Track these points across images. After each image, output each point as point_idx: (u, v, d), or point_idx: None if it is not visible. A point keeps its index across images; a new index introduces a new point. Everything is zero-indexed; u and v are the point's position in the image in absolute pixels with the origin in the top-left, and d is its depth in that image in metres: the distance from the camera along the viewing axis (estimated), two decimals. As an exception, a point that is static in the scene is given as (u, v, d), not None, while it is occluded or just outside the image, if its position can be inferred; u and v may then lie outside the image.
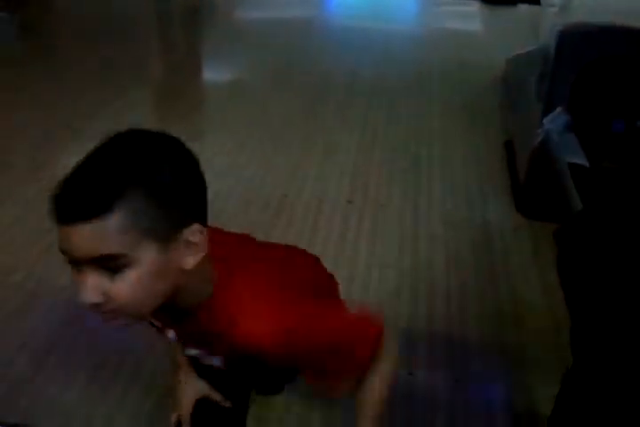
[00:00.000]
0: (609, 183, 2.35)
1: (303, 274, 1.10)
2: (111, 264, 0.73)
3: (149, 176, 0.72)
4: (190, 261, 0.79)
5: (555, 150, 2.25)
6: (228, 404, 1.25)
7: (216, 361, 1.10)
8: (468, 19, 5.41)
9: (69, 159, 0.78)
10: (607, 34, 2.44)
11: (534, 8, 5.66)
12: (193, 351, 1.09)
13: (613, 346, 1.11)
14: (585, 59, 2.39)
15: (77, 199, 0.71)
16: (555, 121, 2.36)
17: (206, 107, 3.75)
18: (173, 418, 1.25)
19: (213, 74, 4.27)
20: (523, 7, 5.59)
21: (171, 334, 1.04)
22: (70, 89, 3.62)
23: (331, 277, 1.25)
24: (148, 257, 0.74)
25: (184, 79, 4.00)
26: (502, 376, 1.90)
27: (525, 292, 2.21)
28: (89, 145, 0.75)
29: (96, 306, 0.76)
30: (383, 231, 2.50)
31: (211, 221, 0.83)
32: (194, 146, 0.80)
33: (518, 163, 2.78)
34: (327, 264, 1.25)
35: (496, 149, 3.17)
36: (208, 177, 0.79)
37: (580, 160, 2.27)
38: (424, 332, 2.02)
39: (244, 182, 2.79)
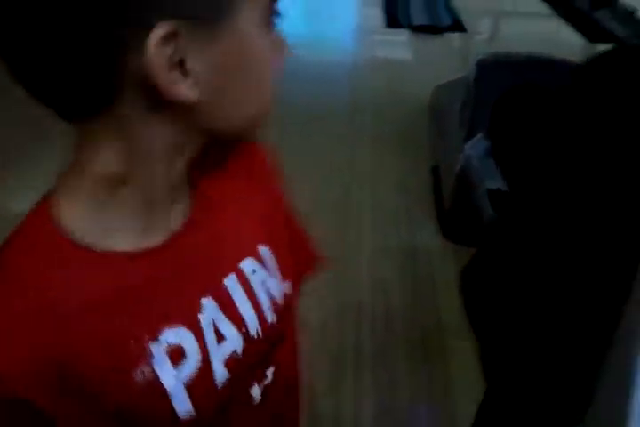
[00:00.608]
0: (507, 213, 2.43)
1: None
2: None
3: None
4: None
5: (475, 176, 2.30)
6: None
7: None
8: (399, 48, 5.53)
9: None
10: (525, 63, 2.52)
11: (463, 36, 5.82)
12: None
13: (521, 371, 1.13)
14: (503, 87, 2.46)
15: None
16: (475, 147, 2.41)
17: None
18: None
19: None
20: (451, 36, 5.74)
21: None
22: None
23: None
24: None
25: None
26: (428, 405, 1.90)
27: (450, 315, 2.23)
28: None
29: None
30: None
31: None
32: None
33: (444, 188, 2.84)
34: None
35: (424, 175, 3.23)
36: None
37: (500, 186, 2.33)
38: (351, 358, 2.01)
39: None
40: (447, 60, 5.16)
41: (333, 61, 4.87)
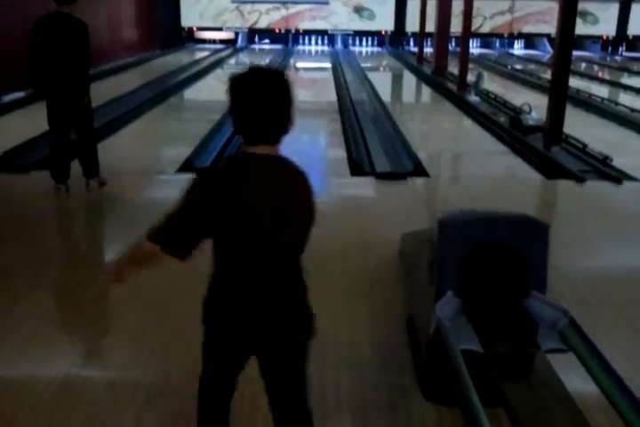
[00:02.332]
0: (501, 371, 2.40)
1: None
2: None
3: None
4: None
5: (448, 338, 2.28)
6: None
7: None
8: (364, 194, 5.69)
9: None
10: (485, 220, 2.59)
11: (426, 180, 6.03)
12: None
13: None
14: (467, 245, 2.51)
15: None
16: (445, 308, 2.41)
17: (105, 306, 3.67)
18: None
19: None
20: (414, 180, 5.94)
21: None
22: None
23: None
24: None
25: (81, 279, 3.92)
26: None
27: None
28: None
29: None
30: None
31: None
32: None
33: (420, 346, 2.80)
34: None
35: (399, 331, 3.19)
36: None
37: (474, 346, 2.31)
38: None
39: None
40: (412, 204, 5.32)
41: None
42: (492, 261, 2.54)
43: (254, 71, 1.77)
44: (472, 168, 6.70)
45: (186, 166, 6.09)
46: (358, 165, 6.36)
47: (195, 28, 22.02)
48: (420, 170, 6.25)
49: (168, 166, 6.21)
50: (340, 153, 6.96)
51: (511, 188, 5.90)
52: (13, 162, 6.19)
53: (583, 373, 2.23)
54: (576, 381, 2.54)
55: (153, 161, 6.75)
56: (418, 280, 3.15)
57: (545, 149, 7.04)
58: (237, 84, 1.76)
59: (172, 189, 5.67)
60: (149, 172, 6.20)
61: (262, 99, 1.73)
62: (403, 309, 3.39)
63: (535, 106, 8.48)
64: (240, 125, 1.77)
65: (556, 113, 7.17)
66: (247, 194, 1.74)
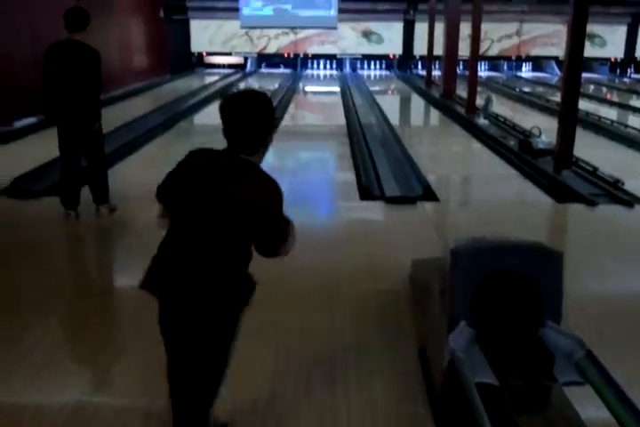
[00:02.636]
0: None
1: None
2: None
3: None
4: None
5: (462, 371, 2.24)
6: None
7: None
8: (374, 218, 5.66)
9: None
10: (498, 249, 2.55)
11: (435, 204, 6.00)
12: None
13: None
14: (479, 274, 2.47)
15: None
16: (458, 338, 2.38)
17: (116, 333, 3.64)
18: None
19: (125, 293, 4.23)
20: (424, 205, 5.91)
21: None
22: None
23: None
24: None
25: (92, 305, 3.91)
26: None
27: None
28: None
29: None
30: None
31: None
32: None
33: (434, 377, 2.75)
34: None
35: (412, 360, 3.15)
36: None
37: (489, 379, 2.26)
38: None
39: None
40: (422, 229, 5.29)
41: (309, 235, 4.95)
42: (505, 291, 2.50)
43: (236, 94, 2.13)
44: (482, 192, 6.67)
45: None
46: (367, 189, 6.35)
47: (204, 53, 22.23)
48: (429, 194, 6.22)
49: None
50: (350, 177, 6.96)
51: (522, 212, 5.87)
52: (24, 188, 6.21)
53: (600, 404, 2.18)
54: (593, 413, 2.48)
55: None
56: (429, 308, 3.11)
57: (555, 172, 7.01)
58: (222, 103, 2.12)
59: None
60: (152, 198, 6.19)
61: (234, 116, 2.09)
62: (414, 337, 3.35)
63: (544, 129, 8.46)
64: (225, 137, 2.14)
65: (566, 136, 7.15)
66: (199, 178, 2.11)
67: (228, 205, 2.06)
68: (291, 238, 2.18)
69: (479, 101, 11.62)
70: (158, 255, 2.20)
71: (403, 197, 6.02)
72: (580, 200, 6.04)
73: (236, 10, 20.09)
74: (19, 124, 10.01)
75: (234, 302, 2.16)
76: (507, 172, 7.37)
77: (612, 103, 14.51)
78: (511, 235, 4.90)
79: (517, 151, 8.02)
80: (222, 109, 2.10)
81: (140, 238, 4.89)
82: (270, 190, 2.10)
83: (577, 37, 7.03)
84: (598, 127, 10.41)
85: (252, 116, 2.08)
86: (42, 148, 8.09)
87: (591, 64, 20.89)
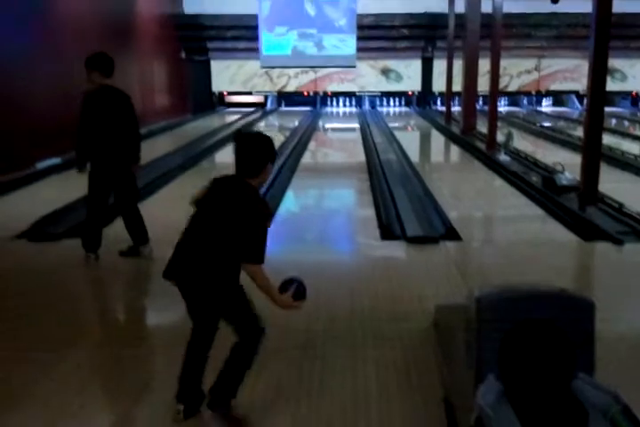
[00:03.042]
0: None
1: None
2: None
3: None
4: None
5: (492, 428, 2.11)
6: None
7: None
8: (396, 258, 5.56)
9: None
10: (526, 298, 2.44)
11: (458, 244, 5.89)
12: None
13: None
14: (506, 324, 2.36)
15: None
16: (487, 394, 2.25)
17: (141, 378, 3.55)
18: None
19: (156, 331, 4.16)
20: (447, 245, 5.80)
21: None
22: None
23: None
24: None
25: (114, 352, 3.84)
26: None
27: None
28: None
29: None
30: None
31: None
32: None
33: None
34: None
35: (436, 408, 3.02)
36: None
37: (520, 438, 2.13)
38: None
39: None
40: (445, 270, 5.17)
41: (328, 276, 4.86)
42: (534, 342, 2.38)
43: (245, 132, 3.03)
44: (505, 231, 6.55)
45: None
46: (388, 228, 6.26)
47: (225, 93, 22.51)
48: (452, 233, 6.12)
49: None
50: (370, 215, 6.89)
51: (547, 251, 5.73)
52: (44, 231, 6.20)
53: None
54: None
55: (180, 227, 6.70)
56: (455, 358, 2.99)
57: (580, 209, 6.88)
58: (233, 138, 2.93)
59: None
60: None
61: (239, 149, 2.84)
62: (439, 387, 3.22)
63: (567, 164, 8.37)
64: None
65: (590, 172, 7.04)
66: (210, 193, 2.85)
67: (224, 213, 2.75)
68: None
69: (500, 137, 11.56)
70: (175, 252, 2.88)
71: (425, 236, 5.92)
72: (607, 238, 5.89)
73: (256, 50, 20.38)
74: (41, 165, 10.11)
75: (226, 286, 2.83)
76: (530, 209, 7.25)
77: (634, 137, 14.36)
78: (537, 277, 4.81)
79: (540, 188, 7.90)
80: (234, 143, 2.88)
81: (157, 282, 4.83)
82: (257, 205, 2.77)
83: (598, 72, 6.97)
84: (622, 162, 10.27)
85: (251, 150, 2.82)
86: (62, 189, 8.16)
87: (612, 98, 20.82)
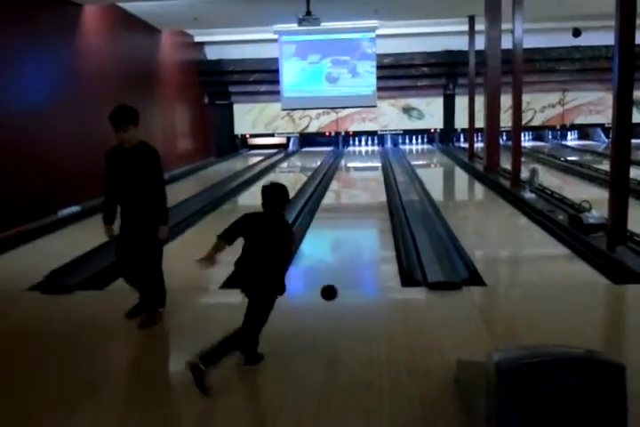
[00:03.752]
0: None
1: None
2: None
3: None
4: None
5: None
6: None
7: None
8: (416, 305, 5.34)
9: None
10: (549, 363, 2.23)
11: (482, 290, 5.66)
12: None
13: None
14: (528, 396, 2.15)
15: None
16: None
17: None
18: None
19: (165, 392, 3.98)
20: (470, 290, 5.57)
21: None
22: None
23: None
24: None
25: (124, 414, 3.67)
26: None
27: None
28: None
29: None
30: None
31: None
32: None
33: None
34: None
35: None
36: None
37: None
38: None
39: None
40: (469, 318, 4.93)
41: (345, 326, 4.65)
42: (560, 412, 2.17)
43: (268, 184, 4.10)
44: (531, 274, 6.29)
45: (229, 283, 5.91)
46: (409, 273, 6.05)
47: (248, 135, 22.65)
48: (475, 277, 5.90)
49: (212, 283, 6.04)
50: (391, 259, 6.71)
51: (575, 295, 5.47)
52: (58, 282, 6.10)
53: None
54: None
55: (198, 276, 6.57)
56: (477, 421, 2.77)
57: (609, 249, 6.60)
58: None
59: (213, 308, 5.45)
60: (193, 288, 6.02)
61: (263, 195, 4.02)
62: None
63: (595, 200, 8.12)
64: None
65: (618, 210, 6.78)
66: (250, 224, 4.01)
67: (269, 235, 3.94)
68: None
69: (524, 174, 11.33)
70: (237, 266, 4.00)
71: (446, 282, 5.69)
72: (638, 281, 5.62)
73: (278, 93, 20.52)
74: (62, 213, 10.12)
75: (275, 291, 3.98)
76: (557, 250, 6.99)
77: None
78: (564, 325, 4.56)
79: (567, 226, 7.65)
80: (262, 193, 4.03)
81: (181, 333, 4.68)
82: (287, 227, 4.11)
83: (623, 105, 6.77)
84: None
85: (271, 195, 4.01)
86: (80, 238, 8.11)
87: (638, 130, 20.49)
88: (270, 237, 3.92)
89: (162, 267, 5.06)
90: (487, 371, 2.40)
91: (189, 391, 3.67)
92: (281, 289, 3.98)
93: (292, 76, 20.51)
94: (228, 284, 5.90)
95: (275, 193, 3.99)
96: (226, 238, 3.96)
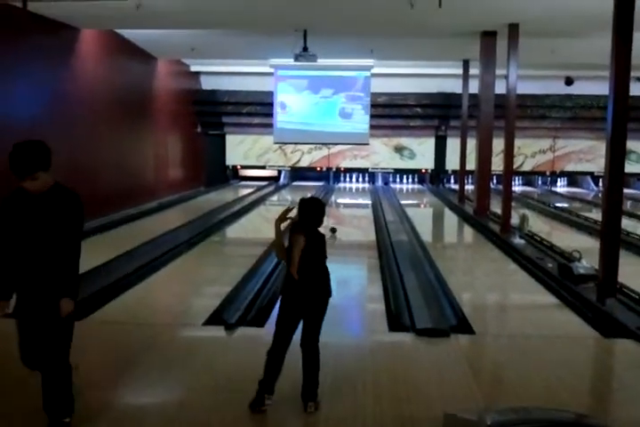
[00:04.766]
0: None
1: None
2: None
3: None
4: None
5: None
6: None
7: None
8: (403, 352, 5.22)
9: None
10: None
11: (470, 338, 5.56)
12: None
13: None
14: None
15: None
16: None
17: None
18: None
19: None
20: (458, 338, 5.47)
21: None
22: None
23: None
24: None
25: None
26: None
27: None
28: None
29: None
30: None
31: None
32: None
33: None
34: None
35: None
36: None
37: None
38: None
39: None
40: (456, 367, 4.82)
41: (327, 373, 4.52)
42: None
43: (307, 198, 4.10)
44: (520, 323, 6.19)
45: (214, 318, 5.78)
46: (397, 317, 5.95)
47: (239, 167, 22.65)
48: (464, 324, 5.81)
49: (195, 318, 5.91)
50: (378, 300, 6.67)
51: (564, 347, 5.38)
52: None
53: None
54: None
55: (180, 311, 6.43)
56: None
57: (599, 301, 6.54)
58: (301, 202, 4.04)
59: (193, 346, 5.30)
60: (175, 324, 5.88)
61: (304, 208, 3.99)
62: None
63: (584, 249, 8.10)
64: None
65: (609, 262, 6.75)
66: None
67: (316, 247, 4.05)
68: None
69: (514, 219, 11.33)
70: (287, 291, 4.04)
71: (434, 329, 5.59)
72: (629, 335, 5.54)
73: (271, 126, 20.59)
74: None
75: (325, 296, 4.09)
76: (546, 299, 6.92)
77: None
78: (552, 378, 4.47)
79: (557, 276, 7.59)
80: (301, 205, 4.01)
81: (164, 369, 4.53)
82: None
83: (616, 157, 6.79)
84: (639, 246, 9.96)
85: (310, 208, 4.00)
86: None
87: (628, 180, 20.68)
88: (319, 253, 4.05)
89: (68, 360, 3.57)
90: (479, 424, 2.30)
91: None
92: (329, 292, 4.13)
93: (286, 110, 20.59)
94: (213, 320, 5.78)
95: (313, 208, 3.99)
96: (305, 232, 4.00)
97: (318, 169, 22.39)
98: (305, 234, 3.91)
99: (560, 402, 3.85)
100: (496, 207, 13.03)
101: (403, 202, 16.87)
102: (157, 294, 7.25)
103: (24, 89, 10.11)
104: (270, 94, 20.34)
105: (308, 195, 18.01)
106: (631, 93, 6.92)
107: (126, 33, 13.77)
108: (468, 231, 12.86)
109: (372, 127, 20.62)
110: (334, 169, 22.43)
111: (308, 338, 4.00)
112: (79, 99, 12.00)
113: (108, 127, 13.35)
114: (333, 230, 10.64)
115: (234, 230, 12.62)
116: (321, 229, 4.06)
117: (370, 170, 22.48)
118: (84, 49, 12.22)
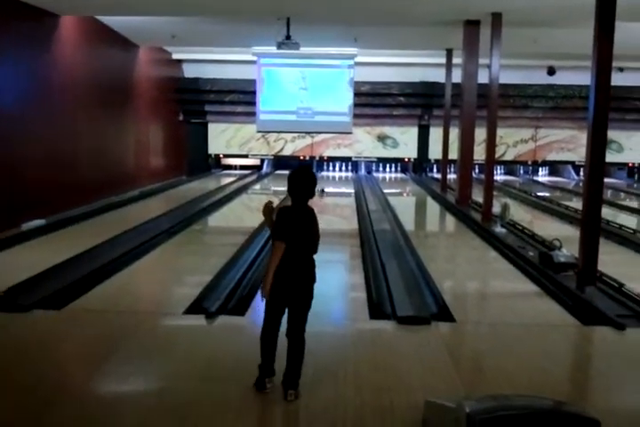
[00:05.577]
0: None
1: None
2: None
3: None
4: None
5: None
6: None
7: None
8: (384, 340, 5.24)
9: None
10: (521, 416, 2.15)
11: (451, 326, 5.58)
12: None
13: None
14: None
15: None
16: None
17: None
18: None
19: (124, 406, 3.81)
20: (439, 326, 5.49)
21: None
22: None
23: None
24: None
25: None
26: None
27: None
28: None
29: None
30: None
31: None
32: None
33: None
34: None
35: None
36: None
37: None
38: None
39: None
40: (437, 355, 4.84)
41: (308, 362, 4.52)
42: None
43: (294, 170, 4.00)
44: (501, 311, 6.22)
45: (194, 307, 5.75)
46: (378, 306, 5.96)
47: (221, 155, 22.52)
48: (444, 312, 5.83)
49: (176, 306, 5.88)
50: (360, 288, 6.68)
51: (544, 335, 5.42)
52: (15, 300, 5.88)
53: None
54: None
55: (161, 300, 6.40)
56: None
57: (578, 289, 6.59)
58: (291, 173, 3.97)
59: (173, 334, 5.28)
60: (156, 312, 5.85)
61: (294, 181, 3.93)
62: None
63: (564, 237, 8.15)
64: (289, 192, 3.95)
65: (589, 251, 6.79)
66: (294, 218, 3.90)
67: (310, 230, 3.98)
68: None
69: (496, 208, 11.37)
70: (281, 266, 3.88)
71: (415, 316, 5.60)
72: (607, 322, 5.59)
73: (254, 114, 20.47)
74: (26, 226, 9.85)
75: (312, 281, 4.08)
76: (527, 287, 6.96)
77: (632, 210, 14.21)
78: (533, 365, 4.49)
79: (537, 264, 7.64)
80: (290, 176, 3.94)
81: (144, 357, 4.50)
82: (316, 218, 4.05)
83: (597, 147, 6.82)
84: (621, 237, 10.04)
85: (300, 180, 3.93)
86: (44, 254, 7.89)
87: (609, 169, 20.82)
88: (309, 231, 3.94)
89: None
90: (458, 419, 2.31)
91: (149, 415, 3.51)
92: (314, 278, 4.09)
93: (268, 98, 20.48)
94: (193, 308, 5.76)
95: (304, 180, 3.89)
96: (286, 239, 3.85)
97: (301, 158, 22.33)
98: (286, 242, 3.84)
99: (540, 389, 3.87)
100: (478, 196, 13.07)
101: (385, 191, 16.87)
102: (138, 282, 7.20)
103: (2, 75, 9.95)
104: (253, 82, 20.23)
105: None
106: (612, 83, 6.94)
107: (107, 20, 13.59)
108: (450, 220, 12.90)
109: (356, 116, 20.58)
110: (317, 158, 22.38)
111: (294, 328, 3.98)
112: (59, 86, 11.84)
113: (89, 115, 13.20)
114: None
115: (215, 219, 12.56)
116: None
117: (353, 159, 22.45)
118: (65, 36, 12.05)
